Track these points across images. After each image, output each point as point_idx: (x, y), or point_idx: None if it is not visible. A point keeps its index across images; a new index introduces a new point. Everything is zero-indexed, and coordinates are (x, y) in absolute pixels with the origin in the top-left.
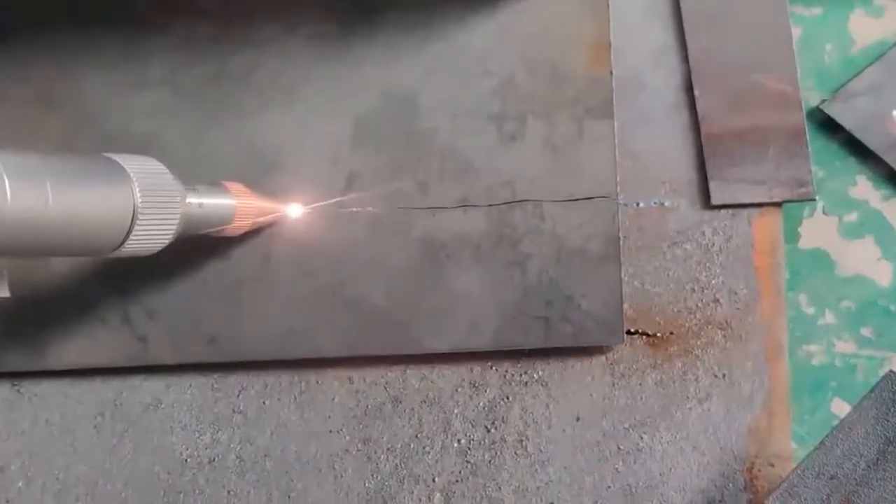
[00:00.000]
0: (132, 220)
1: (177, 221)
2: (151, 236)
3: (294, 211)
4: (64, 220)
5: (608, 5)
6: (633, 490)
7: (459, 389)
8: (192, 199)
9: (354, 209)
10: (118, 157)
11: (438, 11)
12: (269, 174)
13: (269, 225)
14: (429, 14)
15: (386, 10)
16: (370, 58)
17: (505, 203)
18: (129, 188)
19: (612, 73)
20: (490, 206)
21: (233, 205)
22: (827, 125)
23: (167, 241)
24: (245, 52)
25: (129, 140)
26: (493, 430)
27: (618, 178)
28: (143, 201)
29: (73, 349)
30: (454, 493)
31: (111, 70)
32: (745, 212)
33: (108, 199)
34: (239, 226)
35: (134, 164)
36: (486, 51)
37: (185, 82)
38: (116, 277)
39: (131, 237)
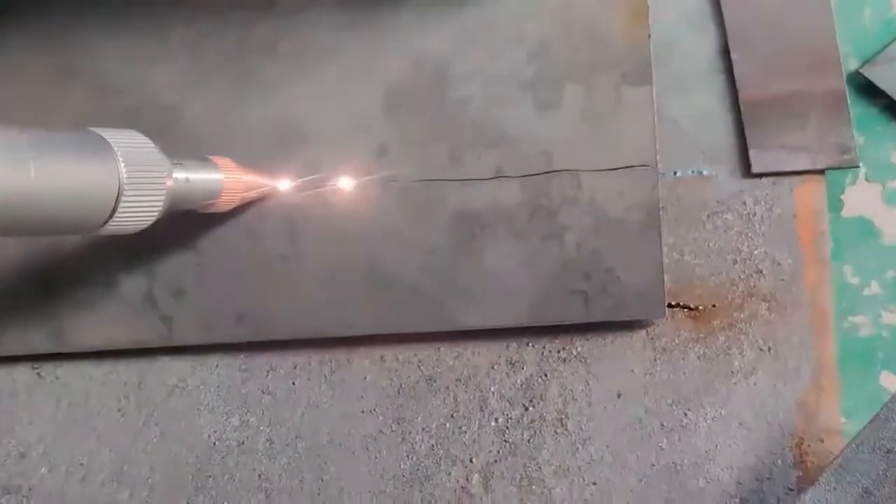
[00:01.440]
0: (117, 196)
1: (163, 197)
2: (137, 213)
3: (284, 185)
4: (47, 196)
5: None
6: (679, 468)
7: (495, 367)
8: (179, 174)
9: (370, 177)
10: (102, 132)
11: None
12: (296, 146)
13: (259, 200)
14: None
15: None
16: (400, 24)
17: (541, 173)
18: (113, 164)
19: (650, 36)
20: (525, 176)
21: (220, 179)
22: (867, 90)
23: (154, 218)
24: (269, 19)
25: (151, 113)
26: (531, 409)
27: (657, 146)
28: (128, 177)
29: (94, 330)
30: (493, 473)
31: (130, 41)
32: (786, 180)
33: (93, 175)
34: (227, 201)
35: (119, 139)
36: (521, 15)
37: (208, 53)
38: (139, 255)
39: (117, 214)
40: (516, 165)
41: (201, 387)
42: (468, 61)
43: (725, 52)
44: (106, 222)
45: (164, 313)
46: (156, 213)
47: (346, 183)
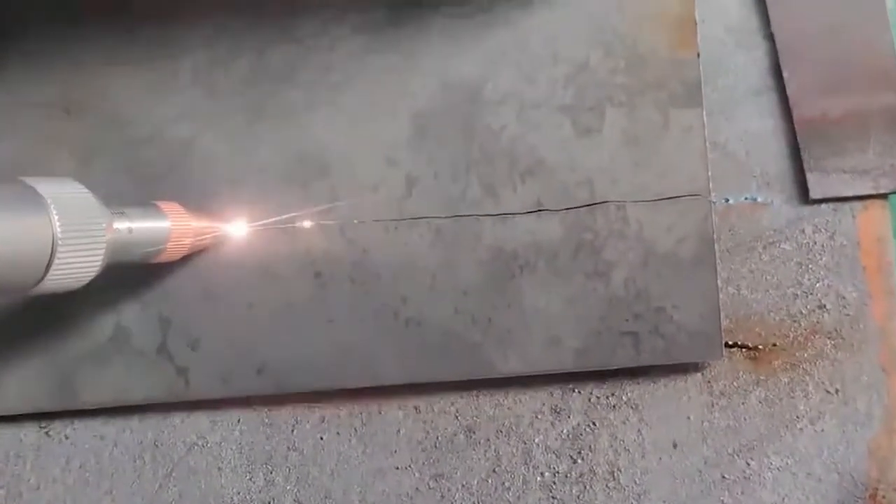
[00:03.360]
0: (52, 252)
1: (103, 250)
2: (75, 268)
3: (238, 230)
4: None
5: None
6: None
7: (539, 416)
8: (120, 224)
9: (355, 221)
10: (33, 181)
11: None
12: (317, 180)
13: (211, 247)
14: None
15: None
16: (426, 47)
17: (583, 206)
18: (46, 217)
19: (699, 54)
20: (567, 209)
21: (167, 227)
22: None
23: (94, 273)
24: (285, 45)
25: (161, 146)
26: (579, 461)
27: (709, 173)
28: (62, 230)
29: (105, 385)
30: None
31: (138, 70)
32: (847, 206)
33: (23, 231)
34: (175, 249)
35: (51, 189)
36: (556, 33)
37: (221, 82)
38: (151, 303)
39: (52, 271)
40: (556, 197)
41: (222, 444)
42: (500, 85)
43: (776, 68)
44: (40, 281)
45: (179, 365)
46: (96, 268)
47: (306, 224)
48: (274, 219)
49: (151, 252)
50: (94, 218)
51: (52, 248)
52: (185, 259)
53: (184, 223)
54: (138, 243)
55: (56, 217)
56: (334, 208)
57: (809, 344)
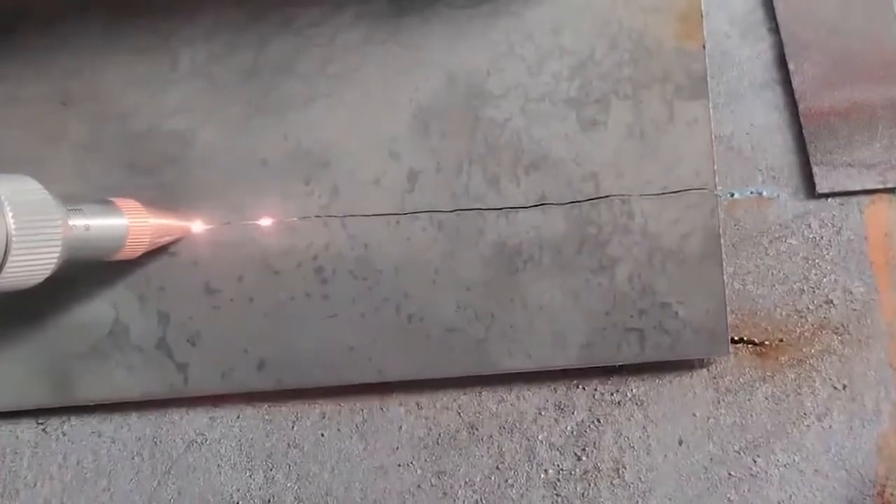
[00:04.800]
0: (5, 250)
1: (58, 249)
2: (30, 267)
3: (197, 227)
4: None
5: None
6: None
7: (543, 412)
8: (77, 222)
9: (339, 216)
10: None
11: None
12: (318, 174)
13: (171, 244)
14: None
15: None
16: (429, 38)
17: (588, 199)
18: None
19: (704, 46)
20: (571, 203)
21: (125, 225)
22: None
23: (49, 271)
24: (286, 36)
25: (159, 139)
26: (584, 458)
27: (715, 167)
28: (17, 228)
29: (104, 381)
30: None
31: (136, 63)
32: (854, 199)
33: None
34: (134, 247)
35: (5, 188)
36: (561, 26)
37: (220, 74)
38: (149, 297)
39: (6, 270)
40: (560, 191)
41: (221, 440)
42: (504, 77)
43: (782, 61)
44: None
45: (179, 361)
46: (51, 266)
47: (266, 221)
48: (238, 217)
49: (109, 249)
50: (50, 216)
51: (6, 246)
52: (147, 256)
53: (142, 220)
54: (96, 241)
55: (10, 215)
56: (334, 202)
57: (816, 340)
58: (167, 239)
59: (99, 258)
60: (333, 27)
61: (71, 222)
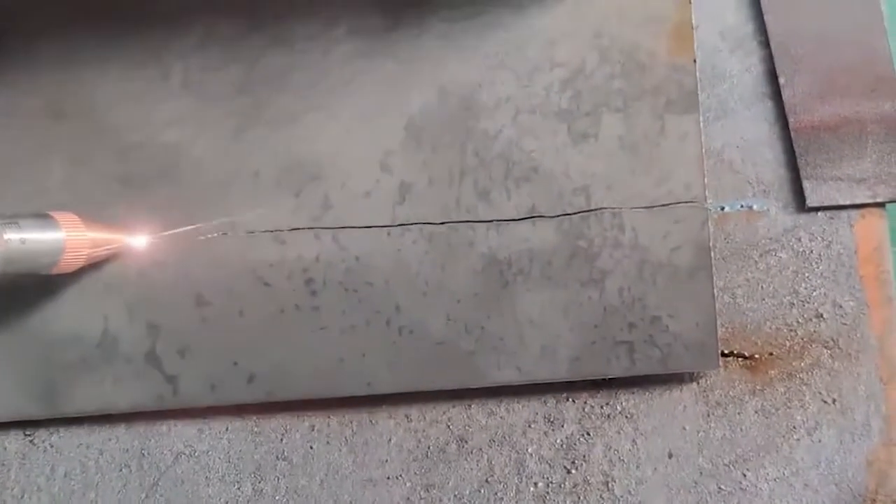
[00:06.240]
0: None
1: None
2: None
3: (137, 242)
4: None
5: None
6: None
7: (532, 425)
8: (12, 235)
9: (330, 228)
10: None
11: None
12: (309, 187)
13: (109, 258)
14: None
15: None
16: (422, 52)
17: (578, 212)
18: None
19: (695, 60)
20: (562, 216)
21: (62, 238)
22: None
23: None
24: (279, 49)
25: (151, 152)
26: (573, 472)
27: (705, 180)
28: None
29: (92, 392)
30: None
31: (128, 76)
32: (844, 214)
33: None
34: (71, 261)
35: None
36: (552, 38)
37: (212, 87)
38: (139, 309)
39: None
40: (551, 204)
41: (210, 453)
42: (496, 90)
43: (772, 75)
44: None
45: (168, 373)
46: None
47: (207, 234)
48: (168, 232)
49: (46, 263)
50: None
51: None
52: (86, 269)
53: (80, 234)
54: (31, 254)
55: None
56: (326, 214)
57: (806, 353)
58: (106, 252)
59: (35, 272)
60: (326, 41)
61: (6, 236)
